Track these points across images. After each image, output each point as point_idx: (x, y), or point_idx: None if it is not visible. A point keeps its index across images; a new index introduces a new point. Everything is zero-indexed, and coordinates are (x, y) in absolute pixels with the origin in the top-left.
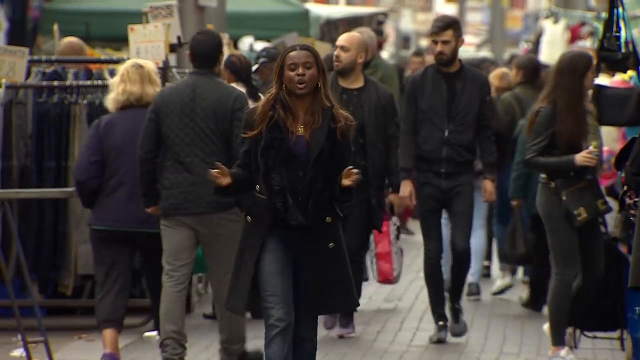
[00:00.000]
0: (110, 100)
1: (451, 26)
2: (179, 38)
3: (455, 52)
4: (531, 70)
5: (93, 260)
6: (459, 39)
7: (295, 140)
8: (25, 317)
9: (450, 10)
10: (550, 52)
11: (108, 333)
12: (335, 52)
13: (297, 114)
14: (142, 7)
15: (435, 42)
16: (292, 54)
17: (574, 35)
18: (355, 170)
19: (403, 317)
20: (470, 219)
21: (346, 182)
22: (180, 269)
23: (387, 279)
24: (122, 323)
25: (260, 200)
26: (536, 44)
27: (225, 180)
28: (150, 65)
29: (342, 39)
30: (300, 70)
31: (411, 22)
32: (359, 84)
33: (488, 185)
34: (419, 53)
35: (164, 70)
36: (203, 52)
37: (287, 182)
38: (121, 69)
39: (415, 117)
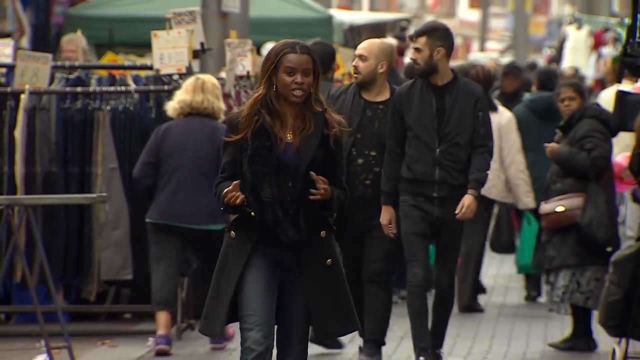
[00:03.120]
0: (170, 109)
1: (425, 34)
2: (202, 44)
3: (430, 61)
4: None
5: (150, 250)
6: (436, 49)
7: (285, 148)
8: (48, 322)
9: (474, 16)
10: (574, 58)
11: (161, 315)
12: (354, 63)
13: (286, 119)
14: (165, 13)
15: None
16: (292, 57)
17: (597, 41)
18: (322, 187)
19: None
20: (457, 252)
21: (312, 197)
22: None
23: None
24: (173, 306)
25: (246, 214)
26: (559, 50)
27: (241, 197)
28: (208, 77)
29: (361, 46)
30: (298, 78)
31: None
32: (383, 96)
33: (466, 200)
34: None
35: (187, 76)
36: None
37: (277, 194)
38: (188, 81)
39: (401, 134)
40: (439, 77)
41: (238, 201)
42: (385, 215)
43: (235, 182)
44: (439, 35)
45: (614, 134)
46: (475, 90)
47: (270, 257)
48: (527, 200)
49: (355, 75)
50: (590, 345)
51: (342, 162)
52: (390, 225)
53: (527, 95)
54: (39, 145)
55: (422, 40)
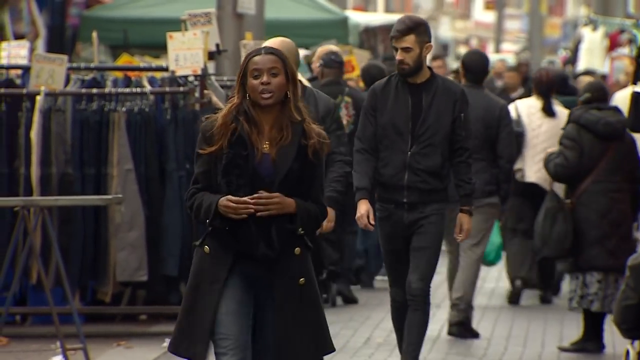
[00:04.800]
0: None
1: (413, 30)
2: (217, 45)
3: (419, 60)
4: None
5: None
6: (424, 45)
7: (261, 158)
8: (64, 324)
9: (489, 17)
10: (589, 60)
11: None
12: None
13: (262, 128)
14: (180, 15)
15: (395, 49)
16: (256, 58)
17: (613, 43)
18: (272, 201)
19: (441, 325)
20: (432, 256)
21: (260, 213)
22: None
23: None
24: None
25: (220, 228)
26: (575, 52)
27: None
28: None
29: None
30: (264, 78)
31: (450, 29)
32: None
33: (463, 220)
34: (437, 56)
35: (202, 78)
36: (475, 69)
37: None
38: None
39: (373, 133)
40: (418, 75)
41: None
42: (362, 206)
43: (229, 197)
44: (424, 31)
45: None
46: (455, 89)
47: (245, 274)
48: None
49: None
50: (599, 347)
51: (320, 177)
52: (365, 216)
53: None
54: (55, 147)
55: (411, 38)
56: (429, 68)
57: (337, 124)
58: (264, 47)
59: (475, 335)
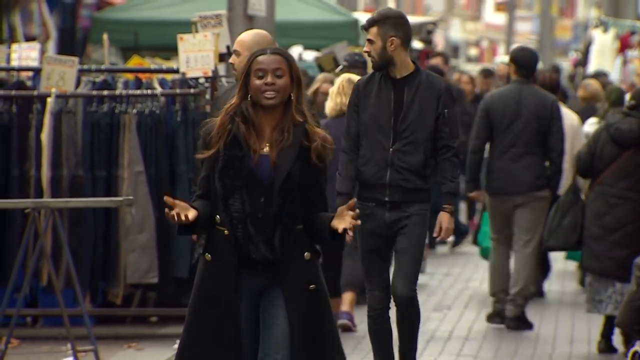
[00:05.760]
0: (329, 108)
1: (377, 22)
2: (228, 47)
3: (384, 53)
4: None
5: None
6: (387, 38)
7: (258, 160)
8: (75, 325)
9: (500, 19)
10: (600, 61)
11: (347, 295)
12: (230, 59)
13: (262, 130)
14: (191, 17)
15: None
16: (261, 58)
17: (624, 45)
18: (352, 213)
19: (452, 326)
20: (416, 258)
21: (340, 225)
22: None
23: None
24: (360, 287)
25: (220, 233)
26: (585, 53)
27: (191, 214)
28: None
29: (236, 41)
30: (269, 79)
31: (460, 31)
32: None
33: (443, 218)
34: (439, 54)
35: (213, 80)
36: (525, 64)
37: (248, 208)
38: (337, 82)
39: (358, 132)
40: (397, 69)
41: (184, 218)
42: None
43: (182, 203)
44: (392, 24)
45: None
46: (439, 85)
47: (250, 282)
48: None
49: (233, 73)
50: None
51: (323, 184)
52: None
53: None
54: (66, 149)
55: (374, 30)
56: (414, 62)
57: None
58: (271, 48)
59: (529, 326)
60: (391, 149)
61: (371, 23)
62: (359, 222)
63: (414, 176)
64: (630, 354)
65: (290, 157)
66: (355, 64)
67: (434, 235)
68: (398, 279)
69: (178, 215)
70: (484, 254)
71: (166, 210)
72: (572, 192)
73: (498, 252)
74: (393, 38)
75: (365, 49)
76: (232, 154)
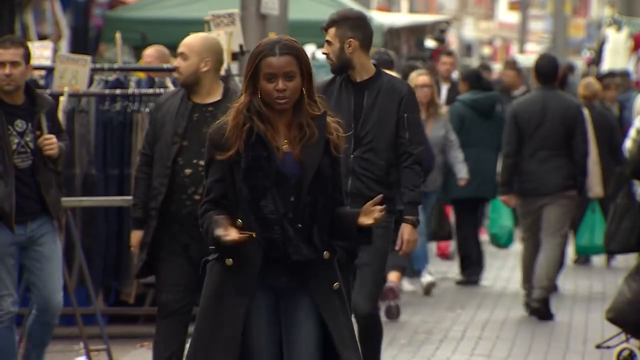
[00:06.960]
0: None
1: (335, 23)
2: (240, 46)
3: (341, 55)
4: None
5: None
6: (345, 40)
7: (283, 158)
8: (87, 324)
9: (513, 18)
10: (614, 60)
11: (393, 274)
12: (175, 62)
13: (278, 127)
14: (204, 16)
15: None
16: (270, 60)
17: (637, 43)
18: (379, 207)
19: (465, 326)
20: (377, 273)
21: (367, 220)
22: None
23: (443, 253)
24: (405, 268)
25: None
26: (599, 52)
27: (243, 235)
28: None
29: (182, 44)
30: (280, 85)
31: (473, 30)
32: (214, 97)
33: (405, 230)
34: (449, 52)
35: (226, 79)
36: (545, 71)
37: (282, 209)
38: None
39: None
40: (356, 73)
41: (243, 239)
42: None
43: (224, 222)
44: (350, 25)
45: None
46: (401, 88)
47: (270, 289)
48: (597, 189)
49: (177, 76)
50: None
51: (341, 177)
52: None
53: (467, 95)
54: (78, 148)
55: (332, 31)
56: (375, 65)
57: None
58: (279, 45)
59: (550, 316)
60: (352, 156)
61: (329, 24)
62: (386, 216)
63: (377, 185)
64: (617, 351)
65: (318, 152)
66: (386, 63)
67: (397, 248)
68: (359, 297)
69: (241, 238)
70: (499, 241)
71: (224, 235)
72: (626, 195)
73: (528, 251)
74: (351, 39)
75: (323, 50)
76: (257, 154)
